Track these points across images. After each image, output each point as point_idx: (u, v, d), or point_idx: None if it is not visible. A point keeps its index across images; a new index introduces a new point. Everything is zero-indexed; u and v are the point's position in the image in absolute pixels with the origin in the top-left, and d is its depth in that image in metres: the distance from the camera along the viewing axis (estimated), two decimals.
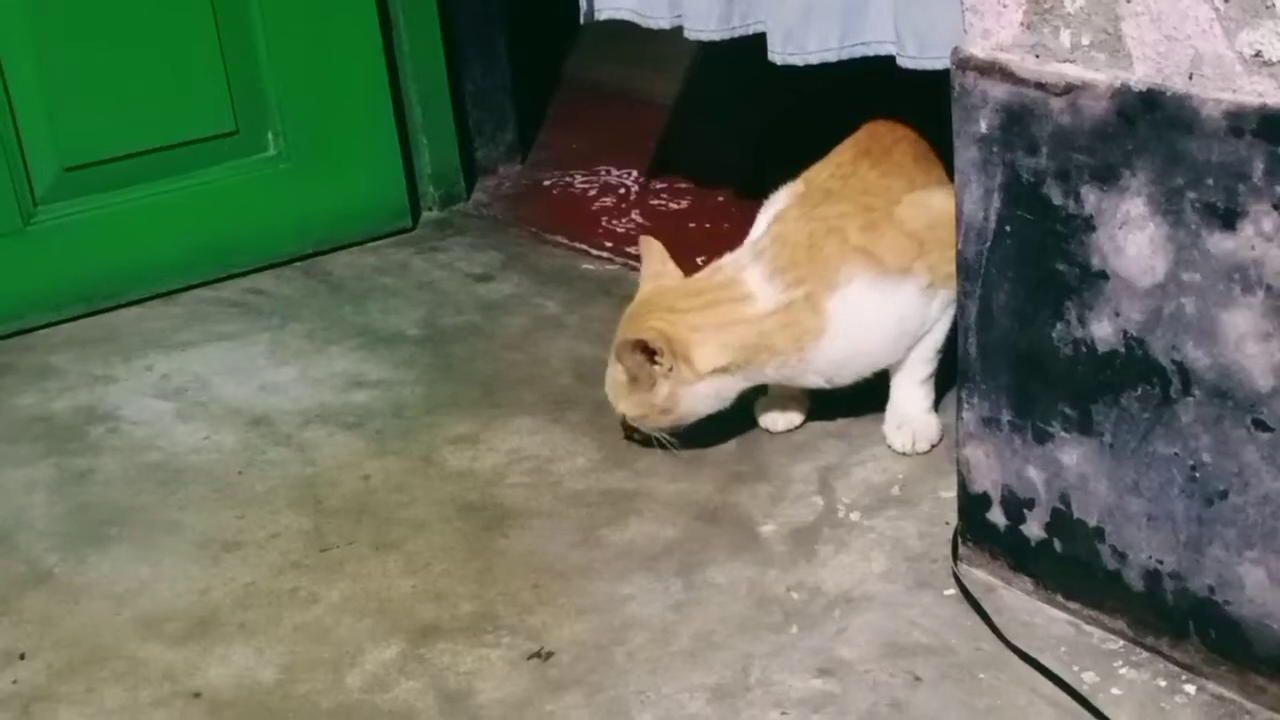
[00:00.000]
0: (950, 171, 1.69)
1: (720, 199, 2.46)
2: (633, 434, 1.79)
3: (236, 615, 1.55)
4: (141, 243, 2.26)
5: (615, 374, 1.72)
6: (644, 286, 1.78)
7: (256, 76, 2.29)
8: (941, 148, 1.77)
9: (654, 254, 1.79)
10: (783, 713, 1.35)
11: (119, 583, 1.62)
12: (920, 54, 1.69)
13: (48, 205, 2.20)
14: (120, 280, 2.25)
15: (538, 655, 1.45)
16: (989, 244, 1.36)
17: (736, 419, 1.82)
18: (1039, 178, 1.29)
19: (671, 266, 1.78)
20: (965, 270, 1.39)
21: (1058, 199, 1.29)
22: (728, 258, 1.73)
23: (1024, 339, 1.36)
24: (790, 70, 1.82)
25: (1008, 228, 1.34)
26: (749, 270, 1.68)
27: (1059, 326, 1.32)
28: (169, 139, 2.25)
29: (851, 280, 1.62)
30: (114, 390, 2.04)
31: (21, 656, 1.51)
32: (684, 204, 2.51)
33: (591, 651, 1.45)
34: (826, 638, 1.44)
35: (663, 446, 1.74)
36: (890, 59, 1.73)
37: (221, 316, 2.23)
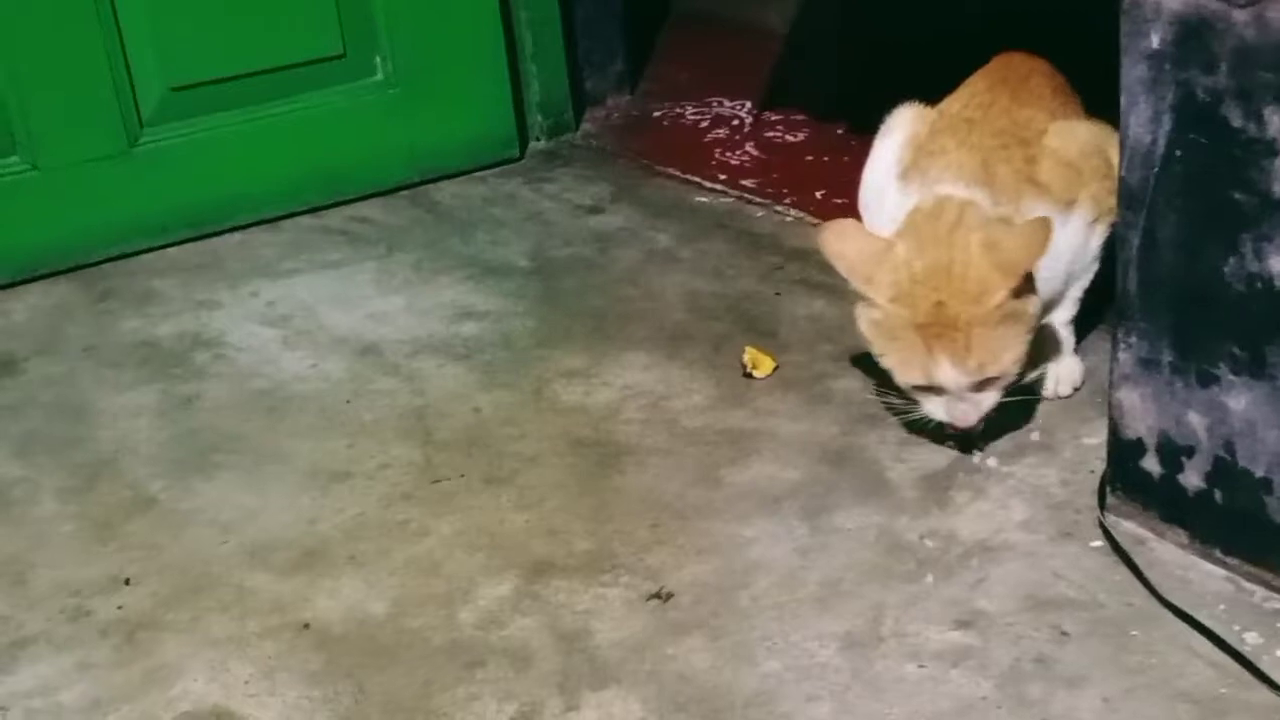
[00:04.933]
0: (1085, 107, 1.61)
1: (839, 132, 2.37)
2: (974, 445, 1.55)
3: (346, 547, 1.50)
4: (246, 167, 2.21)
5: (987, 336, 1.42)
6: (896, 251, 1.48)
7: None
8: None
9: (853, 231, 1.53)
10: (920, 665, 1.28)
11: (225, 511, 1.58)
12: None
13: (153, 127, 2.16)
14: (224, 205, 2.21)
15: (657, 596, 1.39)
16: (1156, 170, 1.26)
17: (862, 360, 1.74)
18: (1216, 98, 1.19)
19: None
20: (1129, 199, 1.29)
21: (1237, 121, 1.18)
22: (917, 198, 1.53)
23: (1191, 274, 1.26)
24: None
25: (1178, 152, 1.24)
26: (951, 188, 1.51)
27: (1232, 261, 1.23)
28: (275, 61, 2.20)
29: (1034, 211, 1.51)
30: (219, 316, 2.00)
31: (126, 582, 1.47)
32: (801, 136, 2.42)
33: (713, 594, 1.39)
34: (964, 588, 1.36)
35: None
36: None
37: (327, 244, 2.18)
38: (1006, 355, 1.45)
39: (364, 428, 1.71)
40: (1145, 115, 1.25)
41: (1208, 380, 1.28)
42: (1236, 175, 1.20)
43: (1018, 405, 1.56)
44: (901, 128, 1.65)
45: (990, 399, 1.48)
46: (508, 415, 1.71)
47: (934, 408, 1.49)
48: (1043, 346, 1.58)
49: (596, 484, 1.57)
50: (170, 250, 2.19)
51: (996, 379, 1.46)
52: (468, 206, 2.28)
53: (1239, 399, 1.26)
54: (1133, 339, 1.33)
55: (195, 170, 2.18)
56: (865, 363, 1.73)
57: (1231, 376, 1.26)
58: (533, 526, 1.51)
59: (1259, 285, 1.21)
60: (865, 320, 1.51)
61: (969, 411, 1.48)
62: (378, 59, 2.27)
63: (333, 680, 1.32)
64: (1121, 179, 1.29)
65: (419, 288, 2.03)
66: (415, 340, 1.89)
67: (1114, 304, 1.36)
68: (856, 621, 1.33)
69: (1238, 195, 1.20)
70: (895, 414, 1.58)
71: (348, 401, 1.76)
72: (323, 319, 1.96)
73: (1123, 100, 1.27)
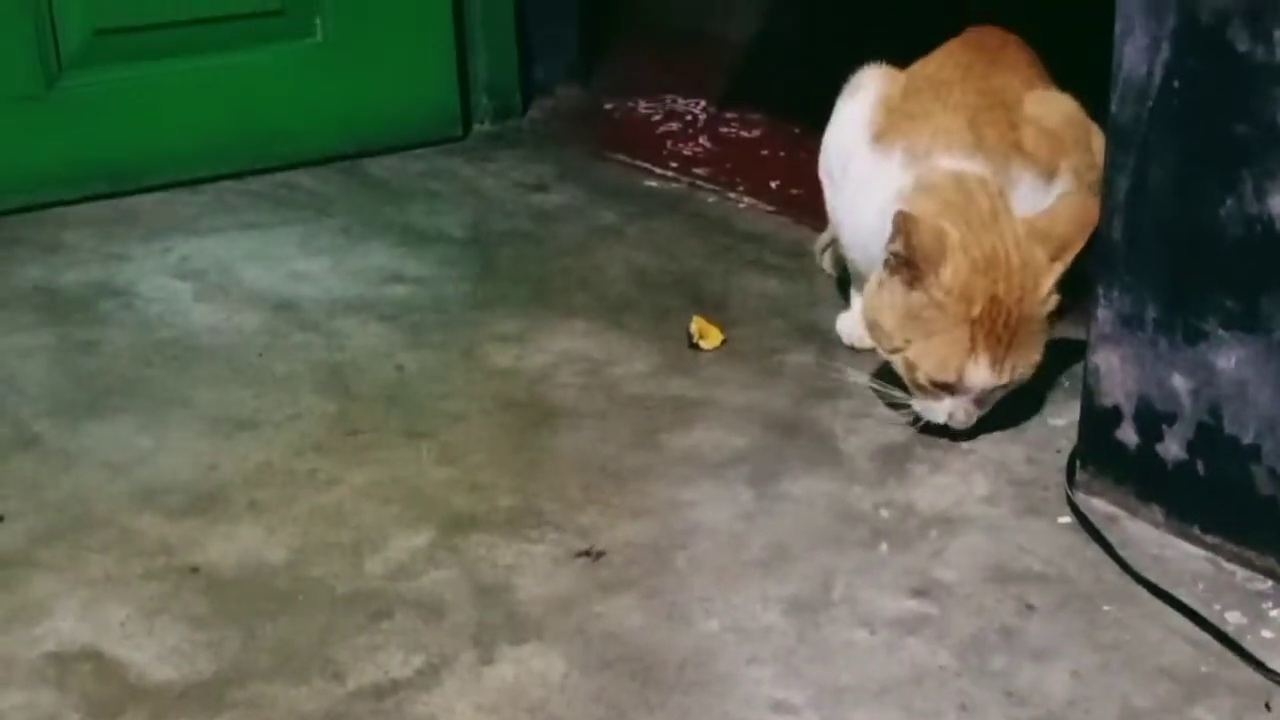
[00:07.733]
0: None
1: (796, 130, 2.27)
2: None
3: (246, 493, 1.36)
4: (170, 122, 2.08)
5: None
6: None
7: None
8: None
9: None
10: (872, 632, 1.16)
11: (116, 453, 1.44)
12: None
13: (74, 70, 2.02)
14: (143, 161, 2.07)
15: (586, 554, 1.27)
16: (1151, 104, 1.16)
17: (813, 334, 1.64)
18: (1222, 19, 1.10)
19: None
20: (1119, 138, 1.20)
21: (1243, 44, 1.09)
22: (924, 171, 1.43)
23: (1183, 219, 1.17)
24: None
25: (1175, 83, 1.14)
26: (950, 160, 1.42)
27: (1229, 202, 1.13)
28: (208, 12, 2.08)
29: (1021, 180, 1.42)
30: (129, 268, 1.86)
31: (0, 518, 1.33)
32: (756, 133, 2.32)
33: (648, 554, 1.26)
34: (922, 558, 1.25)
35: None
36: None
37: (250, 207, 2.05)
38: (1034, 357, 1.37)
39: (276, 379, 1.57)
40: (1142, 43, 1.16)
41: (1195, 337, 1.18)
42: (1240, 105, 1.11)
43: None
44: (870, 87, 1.56)
45: (992, 402, 1.39)
46: (434, 374, 1.59)
47: (935, 406, 1.39)
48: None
49: (526, 442, 1.45)
50: (82, 206, 2.04)
51: (1011, 384, 1.38)
52: (403, 179, 2.15)
53: (1229, 357, 1.16)
54: (1115, 294, 1.24)
55: (115, 120, 2.05)
56: (820, 338, 1.63)
57: (1222, 332, 1.16)
58: (454, 481, 1.38)
59: (1258, 228, 1.12)
60: (895, 311, 1.37)
61: (972, 415, 1.38)
62: (317, 18, 2.15)
63: (219, 625, 1.18)
64: (1112, 116, 1.20)
65: (347, 251, 1.90)
66: (338, 300, 1.76)
67: (1096, 261, 1.26)
68: (804, 585, 1.21)
69: (1239, 128, 1.11)
70: (887, 405, 1.46)
71: (260, 354, 1.63)
72: (239, 275, 1.83)
73: (1117, 28, 1.18)
